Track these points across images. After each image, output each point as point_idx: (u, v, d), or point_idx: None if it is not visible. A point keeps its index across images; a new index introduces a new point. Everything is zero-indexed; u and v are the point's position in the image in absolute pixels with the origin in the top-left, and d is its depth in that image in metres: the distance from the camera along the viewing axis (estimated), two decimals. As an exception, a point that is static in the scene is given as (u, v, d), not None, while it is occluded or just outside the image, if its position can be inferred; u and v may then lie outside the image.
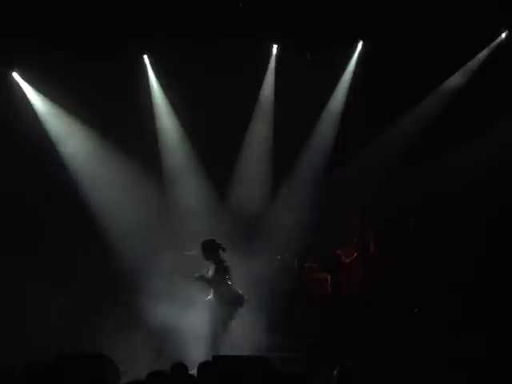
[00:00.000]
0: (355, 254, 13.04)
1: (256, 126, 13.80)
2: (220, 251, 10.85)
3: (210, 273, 10.83)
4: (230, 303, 10.71)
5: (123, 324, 11.54)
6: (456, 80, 13.22)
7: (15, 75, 13.16)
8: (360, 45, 13.39)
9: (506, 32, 12.79)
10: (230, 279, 10.76)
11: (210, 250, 10.86)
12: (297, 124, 13.20)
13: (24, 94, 13.26)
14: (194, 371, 7.15)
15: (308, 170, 13.51)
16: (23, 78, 13.19)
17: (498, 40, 12.88)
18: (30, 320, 11.71)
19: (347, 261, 13.07)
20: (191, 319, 10.83)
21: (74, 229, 12.98)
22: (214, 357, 8.73)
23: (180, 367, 6.90)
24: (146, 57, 13.54)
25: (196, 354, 10.01)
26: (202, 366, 7.27)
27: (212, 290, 10.82)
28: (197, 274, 10.78)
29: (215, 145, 13.23)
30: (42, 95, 13.34)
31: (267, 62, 13.57)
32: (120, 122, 12.71)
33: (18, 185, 12.75)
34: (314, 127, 13.74)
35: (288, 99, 13.29)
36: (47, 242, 12.90)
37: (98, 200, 13.16)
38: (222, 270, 10.77)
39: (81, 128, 13.41)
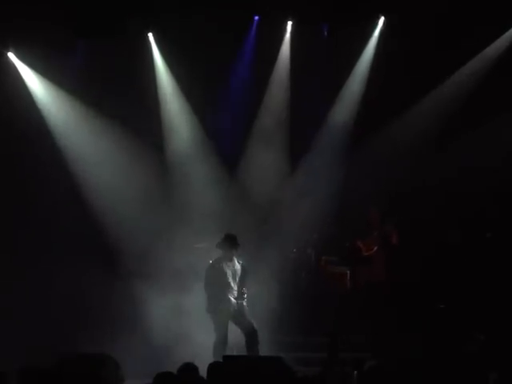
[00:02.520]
0: (375, 248, 12.98)
1: (269, 108, 13.81)
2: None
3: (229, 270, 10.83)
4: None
5: (125, 323, 11.67)
6: (491, 52, 13.18)
7: (11, 55, 13.26)
8: (381, 21, 13.39)
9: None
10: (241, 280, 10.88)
11: (230, 246, 10.87)
12: (313, 105, 13.34)
13: (20, 74, 13.36)
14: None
15: (326, 154, 13.46)
16: (19, 58, 13.29)
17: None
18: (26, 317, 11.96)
19: (366, 255, 13.04)
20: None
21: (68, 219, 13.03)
22: (224, 357, 8.83)
23: (189, 368, 6.90)
24: (150, 35, 13.61)
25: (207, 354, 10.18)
26: (213, 367, 7.33)
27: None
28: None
29: (224, 126, 13.43)
30: (39, 76, 13.42)
31: (281, 39, 13.63)
32: (122, 102, 12.78)
33: (14, 168, 13.02)
34: (331, 109, 13.78)
35: (304, 79, 13.36)
36: (34, 226, 13.05)
37: (94, 182, 13.22)
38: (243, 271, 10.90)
39: (80, 108, 13.50)
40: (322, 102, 13.63)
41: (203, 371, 7.19)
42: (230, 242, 10.87)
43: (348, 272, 12.97)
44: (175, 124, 13.86)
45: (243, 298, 10.90)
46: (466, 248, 12.64)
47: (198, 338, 10.95)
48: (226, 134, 13.47)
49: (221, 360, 8.23)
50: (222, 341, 10.57)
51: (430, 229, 12.84)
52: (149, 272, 12.15)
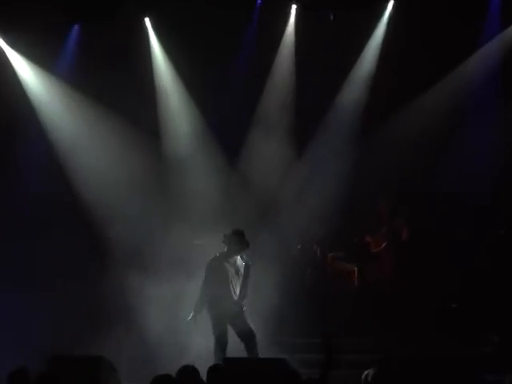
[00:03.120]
0: (384, 244, 13.04)
1: (273, 93, 13.72)
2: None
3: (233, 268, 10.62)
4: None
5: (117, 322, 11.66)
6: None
7: (-1, 41, 13.33)
8: (391, 4, 13.33)
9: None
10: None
11: (238, 243, 10.61)
12: (320, 91, 13.20)
13: (9, 61, 13.37)
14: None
15: (333, 143, 13.36)
16: (8, 44, 13.28)
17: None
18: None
19: (375, 251, 13.11)
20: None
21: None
22: (225, 359, 9.00)
23: (189, 371, 6.85)
24: (147, 19, 13.59)
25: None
26: (213, 370, 7.32)
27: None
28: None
29: (225, 113, 13.25)
30: (30, 62, 13.42)
31: (285, 23, 13.56)
32: (118, 89, 12.70)
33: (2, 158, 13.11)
34: (339, 94, 13.69)
35: (309, 63, 13.35)
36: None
37: (87, 172, 13.18)
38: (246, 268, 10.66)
39: (74, 96, 13.46)
40: (329, 87, 13.50)
41: (203, 374, 7.16)
42: (239, 240, 10.57)
43: (356, 269, 12.99)
44: (173, 112, 13.79)
45: (243, 300, 10.58)
46: (480, 245, 12.52)
47: (198, 339, 10.79)
48: (227, 121, 13.26)
49: (221, 362, 8.20)
50: (222, 342, 10.35)
51: (442, 224, 12.67)
52: (145, 266, 12.03)
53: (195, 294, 10.64)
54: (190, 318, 10.41)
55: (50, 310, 11.99)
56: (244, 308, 10.53)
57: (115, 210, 12.68)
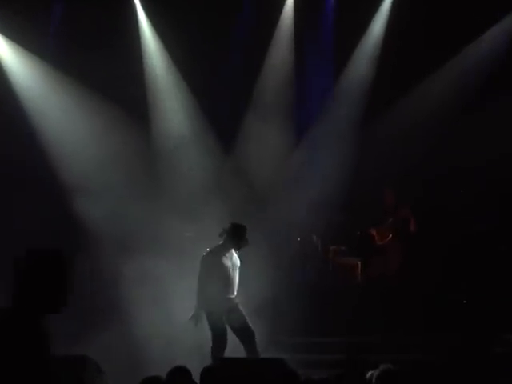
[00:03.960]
0: (390, 236, 13.02)
1: (270, 72, 13.64)
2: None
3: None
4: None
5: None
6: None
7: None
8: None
9: None
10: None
11: (237, 238, 10.43)
12: (320, 72, 13.35)
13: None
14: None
15: (335, 127, 13.31)
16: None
17: None
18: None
19: (380, 244, 13.11)
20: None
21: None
22: (220, 360, 9.13)
23: (181, 372, 6.82)
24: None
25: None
26: (207, 371, 7.25)
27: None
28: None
29: (219, 93, 13.25)
30: (8, 39, 13.40)
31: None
32: (104, 68, 12.60)
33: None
34: (341, 76, 13.67)
35: (309, 43, 13.43)
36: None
37: (68, 155, 13.13)
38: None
39: (55, 75, 13.46)
40: (331, 67, 13.58)
41: (196, 375, 7.12)
42: (240, 235, 10.41)
43: (359, 263, 13.03)
44: (163, 92, 13.72)
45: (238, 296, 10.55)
46: (494, 237, 12.56)
47: (192, 338, 10.69)
48: (221, 102, 13.27)
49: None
50: (222, 342, 10.24)
51: (454, 213, 12.77)
52: (132, 258, 11.83)
53: (190, 290, 10.50)
54: (191, 317, 10.25)
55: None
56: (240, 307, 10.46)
57: (99, 194, 12.53)
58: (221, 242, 10.42)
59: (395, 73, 12.96)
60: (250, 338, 10.30)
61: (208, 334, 10.32)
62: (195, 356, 9.95)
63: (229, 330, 10.32)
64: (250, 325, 10.35)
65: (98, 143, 12.98)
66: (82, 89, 13.19)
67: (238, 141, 13.42)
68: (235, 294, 10.40)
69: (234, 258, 10.46)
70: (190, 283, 10.58)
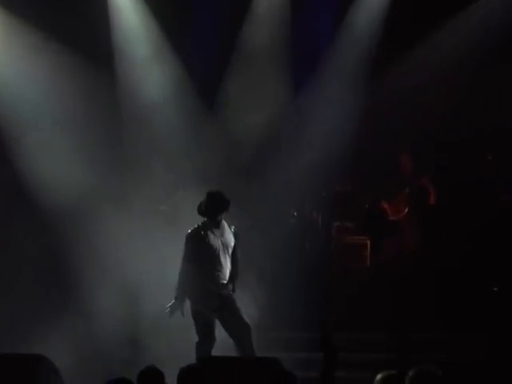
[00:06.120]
0: (406, 210, 12.98)
1: (263, 18, 13.66)
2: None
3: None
4: None
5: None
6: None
7: None
8: None
9: None
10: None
11: (216, 209, 10.29)
12: (320, 19, 13.40)
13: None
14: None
15: (338, 80, 13.35)
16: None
17: None
18: None
19: (393, 219, 13.08)
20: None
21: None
22: (201, 359, 9.11)
23: (152, 374, 6.74)
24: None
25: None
26: (185, 373, 7.00)
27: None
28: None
29: (200, 40, 13.30)
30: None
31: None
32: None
33: None
34: (344, 25, 13.62)
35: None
36: None
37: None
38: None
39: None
40: (332, 15, 13.57)
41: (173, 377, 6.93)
42: (216, 204, 10.24)
43: (368, 243, 13.14)
44: (130, 37, 13.66)
45: (235, 282, 10.41)
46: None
47: (168, 333, 10.72)
48: (202, 51, 13.29)
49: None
50: (208, 337, 10.15)
51: (480, 184, 12.84)
52: (97, 243, 11.89)
53: (169, 275, 10.49)
54: (170, 306, 10.16)
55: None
56: (234, 292, 10.37)
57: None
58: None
59: (405, 25, 13.03)
60: (244, 334, 10.21)
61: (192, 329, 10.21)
62: (172, 355, 9.79)
63: (217, 323, 10.24)
64: (245, 318, 10.25)
65: (62, 105, 12.91)
66: (36, 33, 13.09)
67: (221, 97, 13.53)
68: (226, 279, 10.30)
69: (225, 236, 10.35)
70: (166, 267, 10.73)
